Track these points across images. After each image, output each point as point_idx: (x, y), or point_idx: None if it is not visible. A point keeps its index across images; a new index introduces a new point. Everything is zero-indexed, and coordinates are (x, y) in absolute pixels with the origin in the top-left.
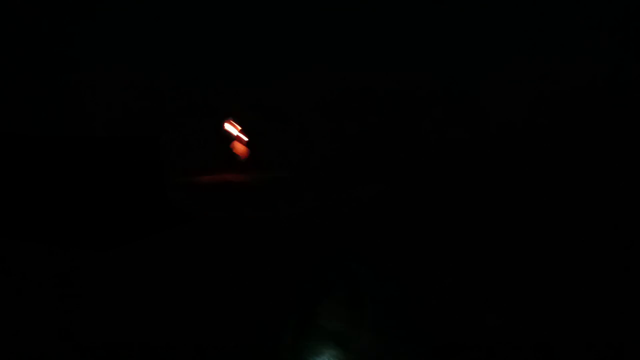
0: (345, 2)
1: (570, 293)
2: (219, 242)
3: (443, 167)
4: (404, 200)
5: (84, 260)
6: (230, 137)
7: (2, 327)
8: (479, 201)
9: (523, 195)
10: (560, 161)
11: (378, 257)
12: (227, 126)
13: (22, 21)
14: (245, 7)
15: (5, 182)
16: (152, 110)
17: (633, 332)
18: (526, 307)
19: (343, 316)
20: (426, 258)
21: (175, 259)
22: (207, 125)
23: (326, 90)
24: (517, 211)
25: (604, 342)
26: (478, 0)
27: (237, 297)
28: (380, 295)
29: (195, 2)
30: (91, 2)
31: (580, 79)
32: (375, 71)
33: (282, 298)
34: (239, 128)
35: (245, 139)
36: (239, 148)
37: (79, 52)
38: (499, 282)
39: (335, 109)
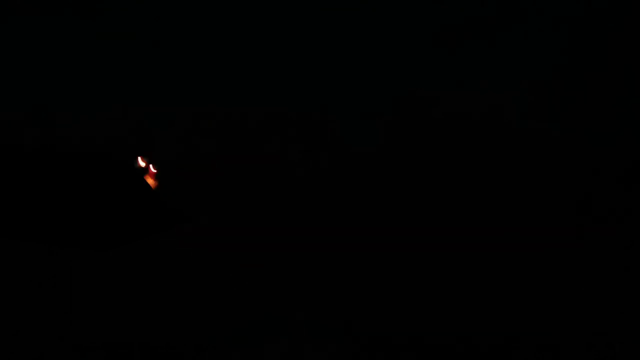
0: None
1: (570, 293)
2: (218, 242)
3: (443, 167)
4: (403, 200)
5: (84, 260)
6: (142, 171)
7: (2, 327)
8: (478, 201)
9: (523, 194)
10: (559, 161)
11: (377, 257)
12: (139, 161)
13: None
14: (232, 23)
15: (5, 183)
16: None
17: (633, 332)
18: (526, 307)
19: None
20: (426, 258)
21: (175, 259)
22: None
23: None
24: (516, 211)
25: (604, 342)
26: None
27: (237, 297)
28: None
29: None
30: (91, 2)
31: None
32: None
33: (281, 298)
34: (147, 161)
35: (154, 171)
36: (150, 182)
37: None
38: (499, 282)
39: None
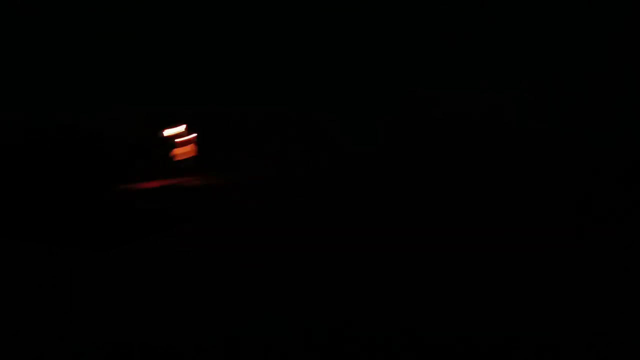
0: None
1: (570, 293)
2: (218, 242)
3: (443, 167)
4: (403, 200)
5: (84, 260)
6: (170, 142)
7: (2, 327)
8: (478, 201)
9: (523, 194)
10: (558, 160)
11: (377, 257)
12: (166, 131)
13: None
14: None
15: (5, 183)
16: None
17: (633, 332)
18: (526, 307)
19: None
20: (426, 258)
21: (174, 259)
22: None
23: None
24: (516, 211)
25: (604, 342)
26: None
27: (237, 297)
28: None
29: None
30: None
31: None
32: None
33: (281, 298)
34: (181, 131)
35: (190, 138)
36: (181, 151)
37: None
38: (499, 282)
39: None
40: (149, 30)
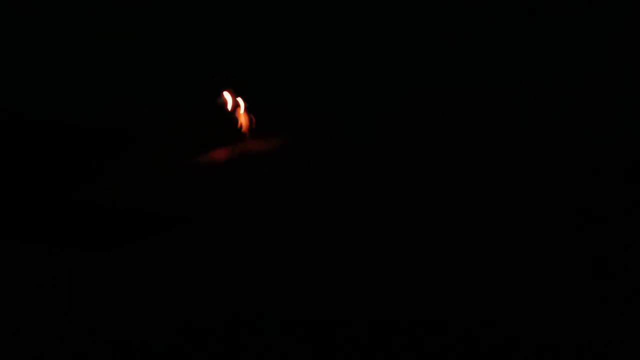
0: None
1: (570, 293)
2: (218, 242)
3: (443, 167)
4: (403, 200)
5: (84, 260)
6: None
7: (2, 327)
8: (478, 201)
9: (523, 194)
10: (559, 161)
11: (377, 257)
12: (226, 95)
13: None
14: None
15: (6, 183)
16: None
17: (633, 332)
18: (526, 307)
19: None
20: (426, 258)
21: (175, 259)
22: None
23: None
24: (516, 211)
25: (604, 342)
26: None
27: (237, 297)
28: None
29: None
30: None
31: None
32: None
33: (281, 298)
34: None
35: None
36: (241, 118)
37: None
38: (499, 282)
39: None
40: (149, 30)
